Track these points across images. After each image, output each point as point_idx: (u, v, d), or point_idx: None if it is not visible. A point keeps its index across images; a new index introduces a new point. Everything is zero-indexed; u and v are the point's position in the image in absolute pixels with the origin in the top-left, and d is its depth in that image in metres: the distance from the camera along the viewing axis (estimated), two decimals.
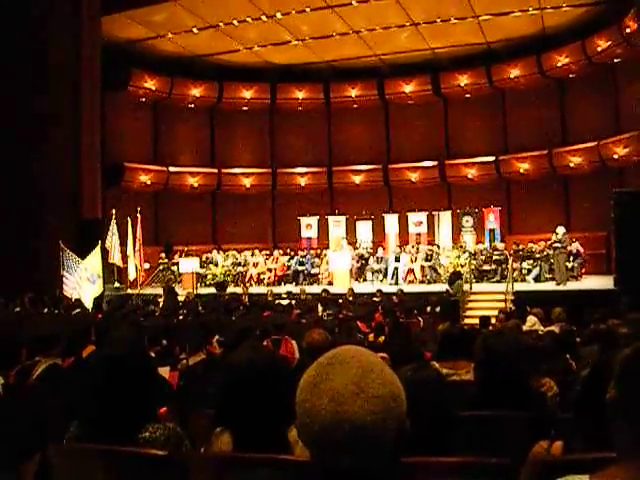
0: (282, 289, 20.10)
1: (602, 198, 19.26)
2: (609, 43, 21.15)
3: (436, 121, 26.51)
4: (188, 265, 21.72)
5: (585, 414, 2.56)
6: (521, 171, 24.47)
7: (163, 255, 23.53)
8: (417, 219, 24.57)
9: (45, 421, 3.29)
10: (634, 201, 16.22)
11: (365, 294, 17.66)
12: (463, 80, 25.06)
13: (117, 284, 20.20)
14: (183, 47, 23.66)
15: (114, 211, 19.58)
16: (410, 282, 21.04)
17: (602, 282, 17.98)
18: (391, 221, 24.98)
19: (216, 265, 23.24)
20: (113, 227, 19.53)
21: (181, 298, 17.41)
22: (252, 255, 23.69)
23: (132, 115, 25.24)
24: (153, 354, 6.10)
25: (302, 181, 27.11)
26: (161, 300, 16.78)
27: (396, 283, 20.62)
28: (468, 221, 23.99)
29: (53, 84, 18.12)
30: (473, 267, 20.39)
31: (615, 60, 21.67)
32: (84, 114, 19.07)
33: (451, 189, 26.16)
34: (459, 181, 25.64)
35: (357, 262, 22.59)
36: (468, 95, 25.36)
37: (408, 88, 25.85)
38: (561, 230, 18.53)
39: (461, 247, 22.26)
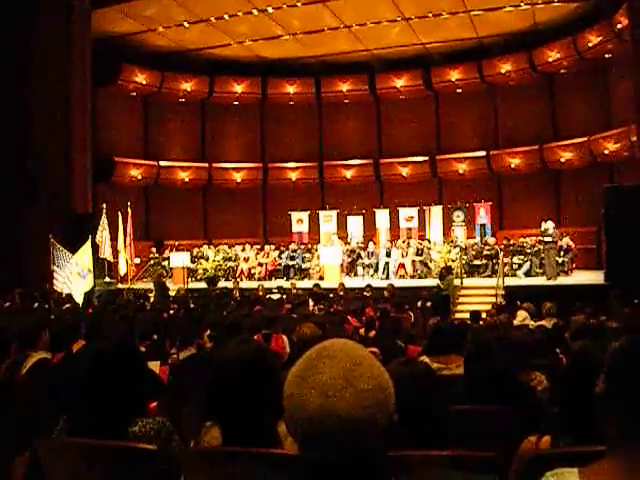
0: (273, 284, 20.10)
1: (593, 193, 19.33)
2: (600, 39, 21.19)
3: (427, 116, 26.53)
4: (179, 260, 21.69)
5: (567, 407, 2.57)
6: (512, 166, 24.51)
7: (154, 250, 23.50)
8: (408, 214, 24.59)
9: (35, 416, 3.28)
10: (625, 196, 16.28)
11: (356, 289, 17.68)
12: (454, 75, 25.07)
13: (108, 279, 20.14)
14: (174, 41, 23.58)
15: (104, 206, 19.54)
16: (401, 277, 21.10)
17: (592, 277, 18.06)
18: (382, 216, 24.99)
19: (207, 260, 23.22)
20: (104, 222, 19.48)
21: (172, 293, 17.39)
22: (243, 250, 23.69)
23: (123, 109, 25.19)
24: (143, 349, 6.10)
25: (293, 176, 27.08)
26: (152, 295, 16.77)
27: (387, 278, 20.65)
28: (459, 216, 24.02)
29: (44, 78, 18.06)
30: (464, 262, 20.42)
31: (606, 56, 21.70)
32: (74, 108, 19.01)
33: (442, 184, 26.18)
34: (450, 176, 25.68)
35: (348, 257, 22.61)
36: (459, 90, 25.37)
37: (399, 83, 25.84)
38: (550, 224, 18.56)
39: (452, 242, 22.30)
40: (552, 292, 15.33)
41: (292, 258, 22.83)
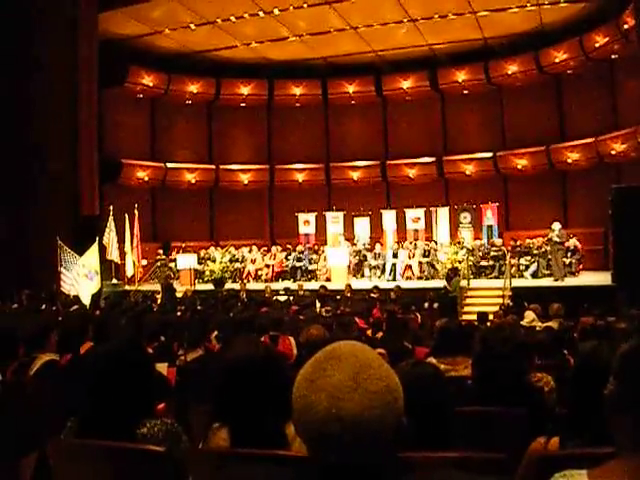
0: (280, 285, 20.12)
1: (600, 194, 19.23)
2: (607, 39, 21.14)
3: (434, 117, 26.51)
4: (186, 261, 21.70)
5: (576, 409, 2.56)
6: (519, 167, 24.47)
7: (161, 251, 23.53)
8: (415, 215, 24.58)
9: (43, 417, 3.29)
10: (632, 197, 16.23)
11: (363, 290, 17.66)
12: (461, 76, 25.04)
13: (115, 280, 20.20)
14: (180, 43, 23.61)
15: (111, 207, 19.59)
16: (408, 278, 21.07)
17: (600, 278, 17.99)
18: (389, 217, 24.97)
19: (214, 261, 23.22)
20: (111, 224, 19.54)
21: (179, 294, 17.42)
22: (250, 251, 23.68)
23: (129, 111, 25.22)
24: (151, 350, 6.10)
25: (300, 177, 27.09)
26: (159, 296, 16.79)
27: (394, 279, 20.64)
28: (466, 217, 23.98)
29: (50, 80, 18.10)
30: (471, 263, 20.37)
31: (613, 56, 21.64)
32: (81, 111, 19.06)
33: (449, 185, 26.15)
34: (457, 177, 25.65)
35: (355, 258, 22.61)
36: (466, 91, 25.33)
37: (406, 84, 25.83)
38: (557, 226, 18.53)
39: (459, 243, 22.25)
40: (559, 293, 15.31)
41: (299, 259, 22.81)
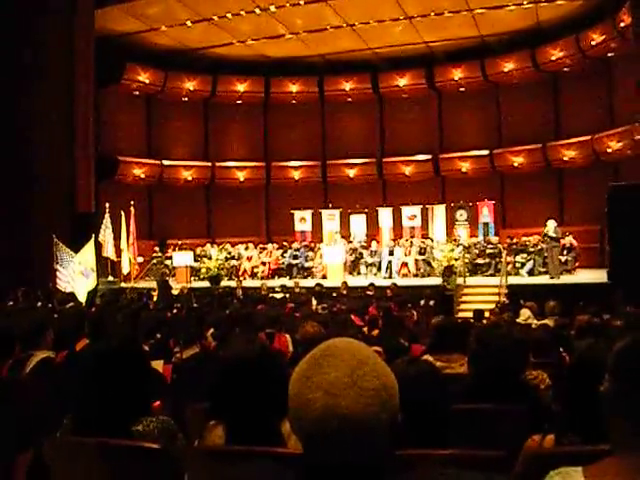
0: (276, 283, 20.09)
1: (596, 192, 19.27)
2: (603, 37, 21.16)
3: (430, 115, 26.51)
4: (182, 259, 21.69)
5: (572, 406, 2.57)
6: (515, 165, 24.48)
7: (157, 249, 23.51)
8: (411, 213, 24.58)
9: (38, 415, 3.29)
10: (628, 195, 16.23)
11: (359, 287, 17.68)
12: (457, 74, 25.04)
13: (111, 278, 20.16)
14: (177, 40, 23.57)
15: (108, 205, 19.56)
16: (404, 275, 21.07)
17: (596, 276, 17.99)
18: (385, 215, 24.98)
19: (210, 259, 23.20)
20: (107, 221, 19.50)
21: (175, 292, 17.40)
22: (246, 249, 23.67)
23: (126, 109, 25.19)
24: (147, 347, 6.09)
25: (296, 174, 27.08)
26: (155, 294, 16.77)
27: (390, 276, 20.64)
28: (462, 215, 23.99)
29: (47, 78, 18.07)
30: (467, 261, 20.37)
31: (609, 54, 21.68)
32: (78, 108, 19.01)
33: (445, 183, 26.15)
34: (453, 175, 25.65)
35: (351, 255, 22.60)
36: (462, 89, 25.34)
37: (402, 82, 25.82)
38: (552, 223, 18.52)
39: (455, 241, 22.25)
40: (555, 291, 15.33)
41: (295, 257, 22.81)
